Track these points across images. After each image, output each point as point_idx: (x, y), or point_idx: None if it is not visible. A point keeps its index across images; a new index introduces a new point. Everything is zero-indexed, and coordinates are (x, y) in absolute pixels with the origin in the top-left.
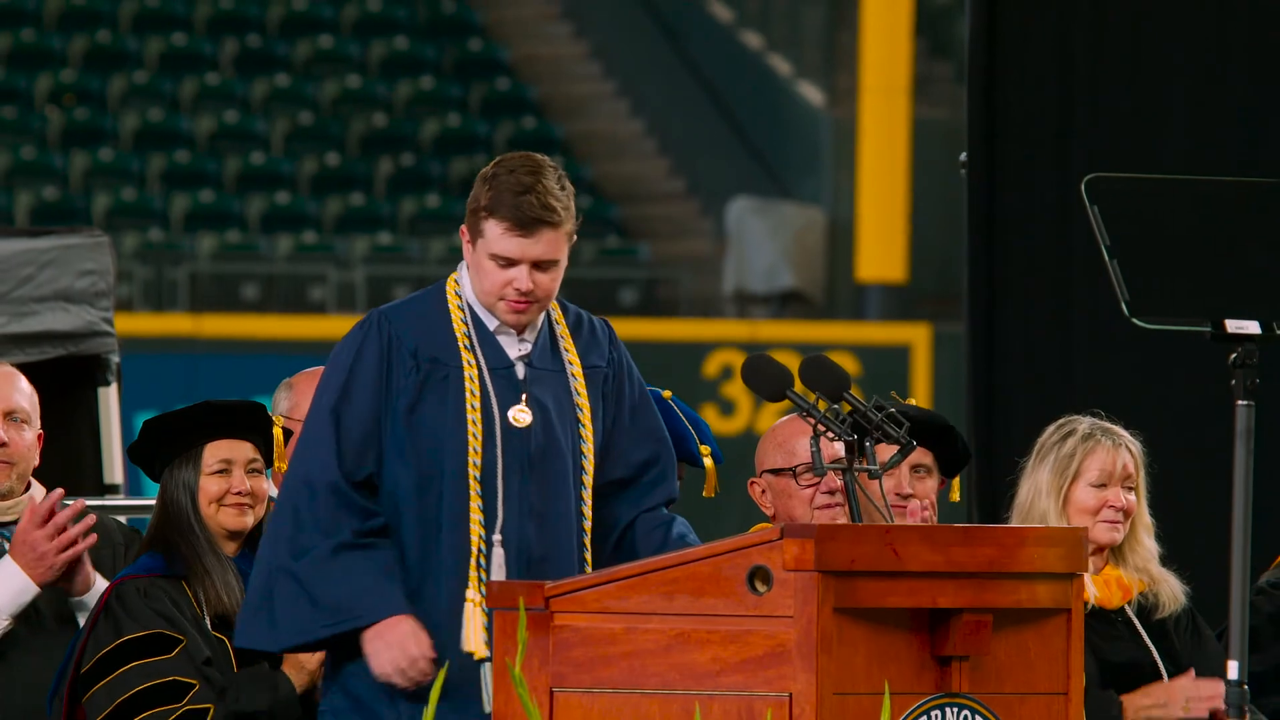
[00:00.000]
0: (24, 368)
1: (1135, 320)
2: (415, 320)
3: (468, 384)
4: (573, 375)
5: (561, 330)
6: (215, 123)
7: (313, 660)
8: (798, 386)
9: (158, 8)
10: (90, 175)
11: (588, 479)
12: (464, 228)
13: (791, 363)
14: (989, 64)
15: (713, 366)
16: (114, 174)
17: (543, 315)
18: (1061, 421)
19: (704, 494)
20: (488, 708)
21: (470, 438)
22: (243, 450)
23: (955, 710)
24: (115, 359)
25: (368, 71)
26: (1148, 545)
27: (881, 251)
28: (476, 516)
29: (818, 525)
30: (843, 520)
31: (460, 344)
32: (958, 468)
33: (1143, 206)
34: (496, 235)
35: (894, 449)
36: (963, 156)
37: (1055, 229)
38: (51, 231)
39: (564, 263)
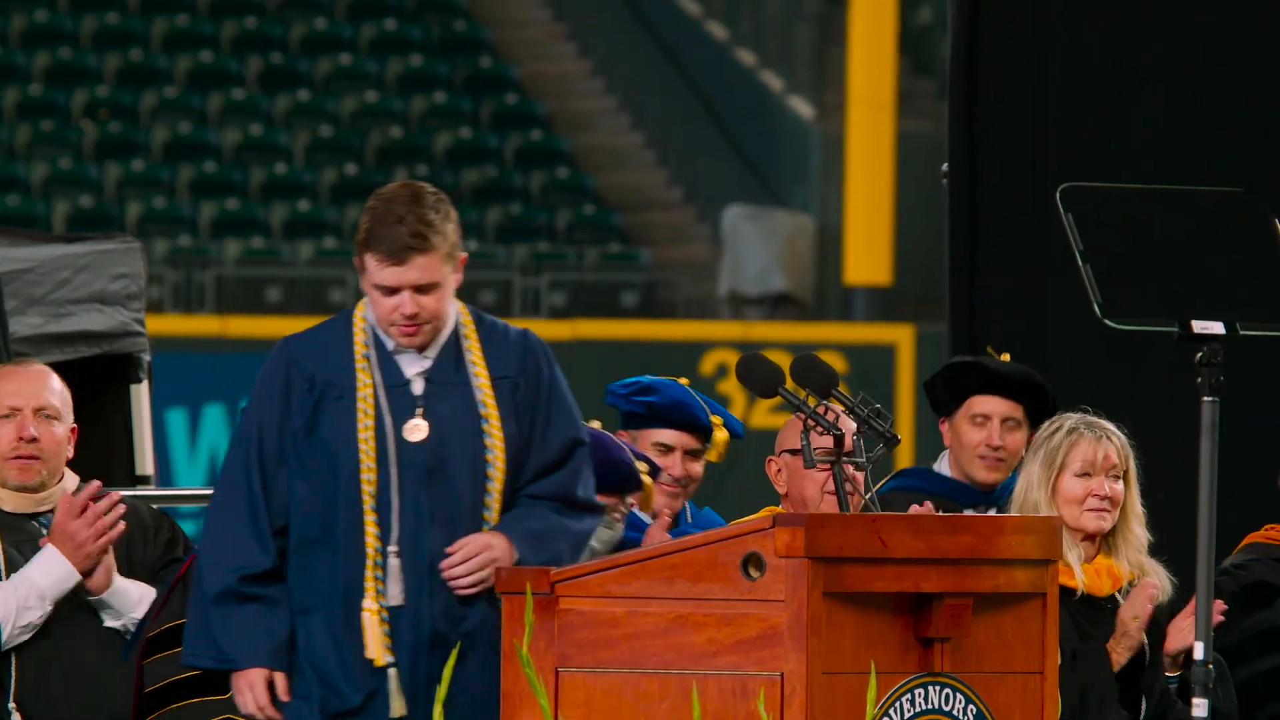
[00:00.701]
0: (61, 365)
1: (1107, 321)
2: (317, 346)
3: (361, 403)
4: (478, 386)
5: (470, 344)
6: (241, 135)
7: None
8: (789, 384)
9: (187, 27)
10: (123, 185)
11: (493, 486)
12: (356, 259)
13: (783, 361)
14: (969, 81)
15: (708, 365)
16: (145, 184)
17: (449, 330)
18: (1053, 419)
19: (711, 459)
20: (396, 712)
21: (362, 454)
22: None
23: (937, 689)
24: (146, 357)
25: (384, 87)
26: (1139, 535)
27: (867, 256)
28: (372, 530)
29: (808, 514)
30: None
31: (358, 365)
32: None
33: (1114, 214)
34: (374, 267)
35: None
36: (944, 167)
37: (1032, 235)
38: (87, 238)
39: (450, 282)
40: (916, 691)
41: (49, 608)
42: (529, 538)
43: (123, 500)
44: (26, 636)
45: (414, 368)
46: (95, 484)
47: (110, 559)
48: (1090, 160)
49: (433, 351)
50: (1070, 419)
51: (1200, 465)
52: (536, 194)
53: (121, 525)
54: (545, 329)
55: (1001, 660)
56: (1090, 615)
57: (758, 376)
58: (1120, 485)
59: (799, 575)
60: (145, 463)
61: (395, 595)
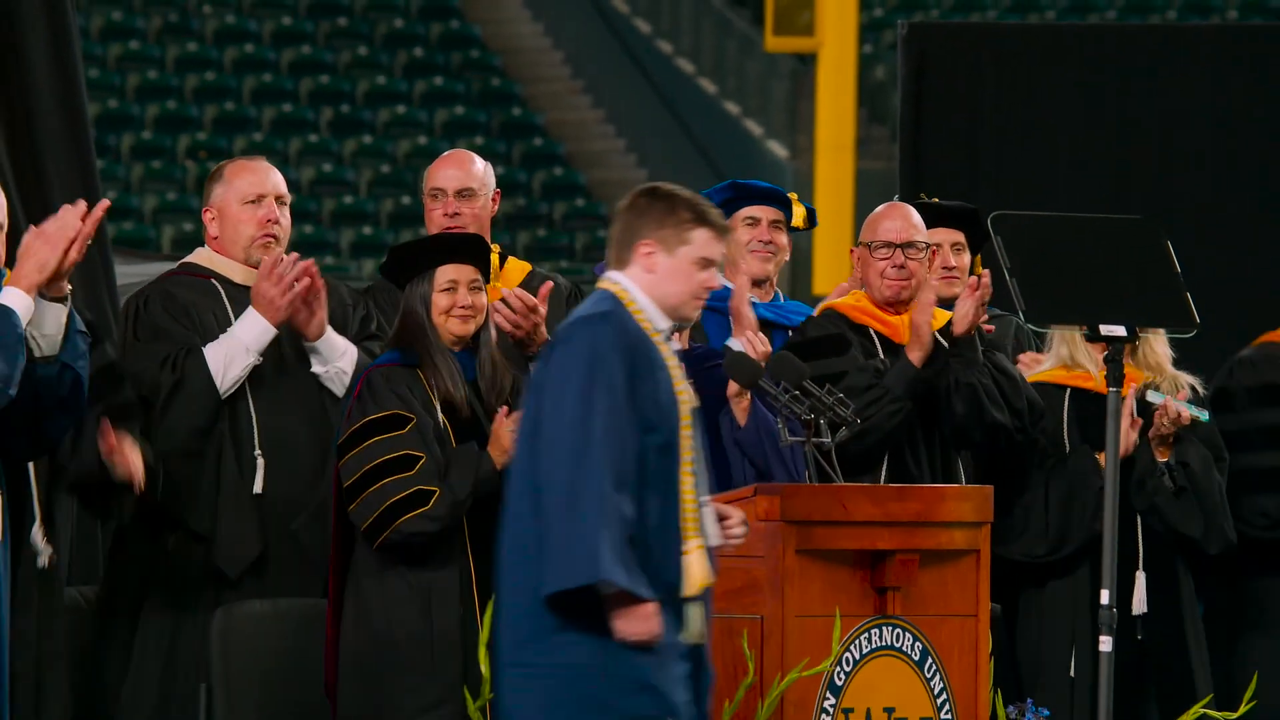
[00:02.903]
0: None
1: (1030, 325)
2: (623, 325)
3: (670, 371)
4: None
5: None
6: (315, 172)
7: (508, 439)
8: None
9: (271, 83)
10: None
11: None
12: (647, 244)
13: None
14: (916, 127)
15: None
16: None
17: None
18: None
19: (798, 226)
20: (697, 638)
21: (681, 415)
22: (466, 272)
23: (890, 629)
24: None
25: (433, 132)
26: (1160, 347)
27: (832, 272)
28: (688, 479)
29: (783, 485)
30: (906, 295)
31: (654, 339)
32: (980, 246)
33: (1036, 236)
34: (705, 240)
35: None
36: (895, 199)
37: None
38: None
39: None
40: (873, 631)
41: (254, 359)
42: None
43: (323, 277)
44: (236, 386)
45: (675, 345)
46: (281, 254)
47: (324, 313)
48: (1016, 192)
49: (677, 333)
50: None
51: (1106, 446)
52: (558, 221)
53: (308, 282)
54: None
55: (943, 605)
56: (1095, 412)
57: (742, 370)
58: None
59: (776, 535)
60: None
61: (714, 536)
